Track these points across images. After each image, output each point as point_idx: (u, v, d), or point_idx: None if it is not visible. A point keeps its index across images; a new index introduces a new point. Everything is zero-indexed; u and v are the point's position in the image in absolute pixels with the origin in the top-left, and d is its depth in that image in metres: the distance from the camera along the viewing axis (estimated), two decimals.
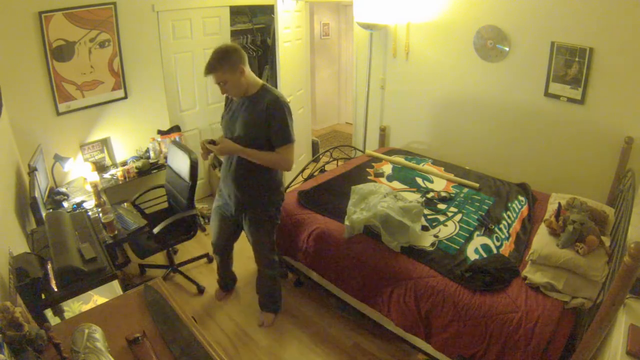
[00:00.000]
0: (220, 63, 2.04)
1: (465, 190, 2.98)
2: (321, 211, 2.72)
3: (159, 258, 3.35)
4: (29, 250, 1.99)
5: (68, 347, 1.28)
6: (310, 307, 2.86)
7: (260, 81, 2.22)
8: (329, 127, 6.68)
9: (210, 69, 2.05)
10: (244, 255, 3.43)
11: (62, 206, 2.73)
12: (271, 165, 2.25)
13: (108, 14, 3.08)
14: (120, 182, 3.20)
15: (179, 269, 3.14)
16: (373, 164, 3.42)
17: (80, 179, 3.17)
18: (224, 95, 2.26)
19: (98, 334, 1.32)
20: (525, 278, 2.07)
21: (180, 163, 2.87)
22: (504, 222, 2.59)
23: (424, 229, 2.48)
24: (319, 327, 2.69)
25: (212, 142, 2.18)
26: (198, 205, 3.38)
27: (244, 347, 2.56)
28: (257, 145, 2.17)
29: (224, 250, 2.75)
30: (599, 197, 2.80)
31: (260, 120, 2.13)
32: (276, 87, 3.92)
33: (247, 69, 2.12)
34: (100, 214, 2.59)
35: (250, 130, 2.16)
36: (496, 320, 1.91)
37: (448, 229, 2.50)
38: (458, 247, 2.33)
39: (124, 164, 3.43)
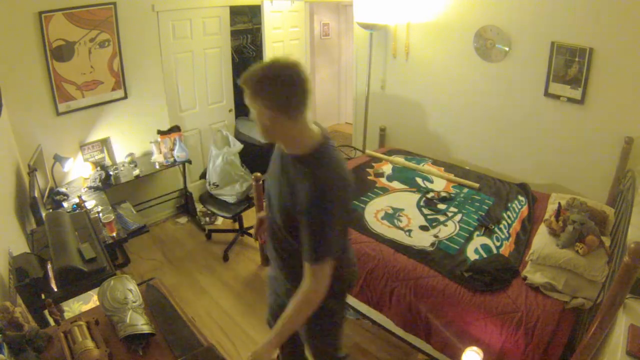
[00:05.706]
0: (253, 84, 1.24)
1: (465, 190, 2.98)
2: None
3: (227, 223, 3.86)
4: (29, 250, 1.99)
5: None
6: None
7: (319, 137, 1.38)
8: (329, 127, 6.67)
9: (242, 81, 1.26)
10: (244, 256, 3.43)
11: (62, 206, 2.73)
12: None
13: (108, 14, 3.08)
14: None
15: (248, 231, 3.56)
16: (373, 164, 3.42)
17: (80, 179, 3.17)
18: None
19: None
20: (525, 278, 2.07)
21: None
22: (504, 222, 2.59)
23: (424, 229, 2.48)
24: None
25: None
26: None
27: (244, 347, 2.55)
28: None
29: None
30: (599, 197, 2.80)
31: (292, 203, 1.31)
32: None
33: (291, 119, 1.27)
34: (101, 214, 2.59)
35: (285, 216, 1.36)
36: (496, 320, 1.91)
37: (448, 229, 2.50)
38: (458, 247, 2.33)
39: (124, 164, 3.42)
